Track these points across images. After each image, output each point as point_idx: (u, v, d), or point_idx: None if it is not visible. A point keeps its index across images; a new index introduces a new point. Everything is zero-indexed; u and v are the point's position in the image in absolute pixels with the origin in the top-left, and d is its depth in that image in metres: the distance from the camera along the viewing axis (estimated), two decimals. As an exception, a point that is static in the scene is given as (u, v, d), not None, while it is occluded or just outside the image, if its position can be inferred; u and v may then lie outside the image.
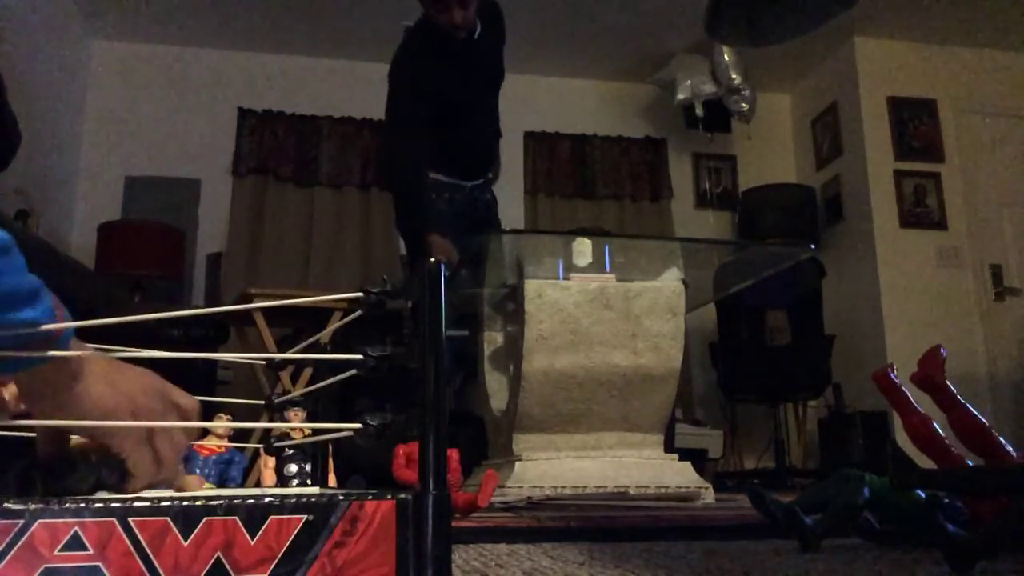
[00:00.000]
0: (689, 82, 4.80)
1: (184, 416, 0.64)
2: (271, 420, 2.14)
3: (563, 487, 2.10)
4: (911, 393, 1.07)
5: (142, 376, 0.63)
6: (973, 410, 1.01)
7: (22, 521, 0.43)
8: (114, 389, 0.59)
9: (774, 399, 4.43)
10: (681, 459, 2.31)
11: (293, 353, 0.96)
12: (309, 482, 1.62)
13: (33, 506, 0.44)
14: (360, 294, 0.58)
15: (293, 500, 0.49)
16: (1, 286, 0.48)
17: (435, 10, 2.69)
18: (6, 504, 0.44)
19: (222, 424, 1.64)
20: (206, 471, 1.61)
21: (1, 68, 2.02)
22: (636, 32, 4.77)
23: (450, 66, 2.79)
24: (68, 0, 4.32)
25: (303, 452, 1.64)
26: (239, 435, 2.30)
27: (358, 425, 0.57)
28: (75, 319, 0.54)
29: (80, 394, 0.57)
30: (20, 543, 0.43)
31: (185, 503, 0.47)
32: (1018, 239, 4.72)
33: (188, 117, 4.83)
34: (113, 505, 0.46)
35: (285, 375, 3.24)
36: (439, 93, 2.78)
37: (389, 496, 0.51)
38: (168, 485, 0.65)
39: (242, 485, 1.77)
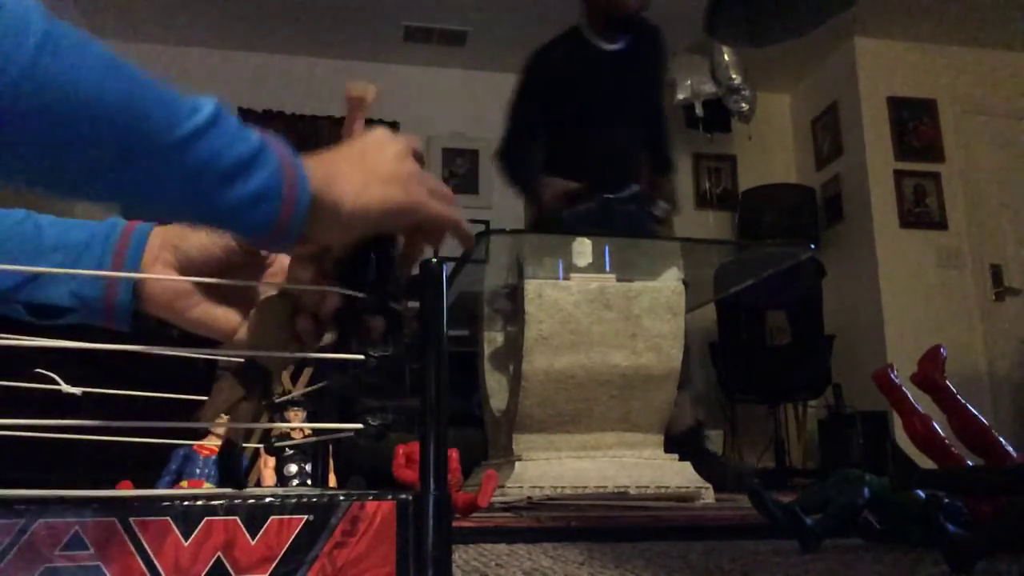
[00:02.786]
0: (689, 82, 4.80)
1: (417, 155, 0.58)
2: (271, 420, 2.14)
3: (563, 487, 2.10)
4: (911, 393, 1.07)
5: (381, 146, 0.56)
6: (973, 410, 1.01)
7: (23, 520, 0.44)
8: (355, 174, 0.53)
9: (774, 399, 4.43)
10: (681, 459, 2.31)
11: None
12: (309, 482, 1.62)
13: (34, 505, 0.44)
14: (360, 294, 0.58)
15: (294, 500, 0.49)
16: (220, 164, 0.45)
17: None
18: (6, 503, 0.44)
19: (222, 424, 1.64)
20: (206, 471, 1.61)
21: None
22: (636, 32, 4.77)
23: (588, 72, 2.81)
24: (68, 0, 4.32)
25: (303, 452, 1.64)
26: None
27: (359, 425, 0.57)
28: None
29: (343, 201, 0.52)
30: (21, 542, 0.43)
31: (186, 503, 0.47)
32: (1018, 239, 4.72)
33: (188, 117, 4.82)
34: (114, 505, 0.46)
35: (285, 375, 3.23)
36: (569, 97, 2.80)
37: (389, 496, 0.51)
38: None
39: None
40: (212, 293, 0.62)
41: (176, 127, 0.43)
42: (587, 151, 2.87)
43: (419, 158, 0.58)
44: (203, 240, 0.60)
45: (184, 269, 0.60)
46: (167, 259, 0.60)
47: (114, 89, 0.41)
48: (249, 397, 0.56)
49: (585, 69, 2.82)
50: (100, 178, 0.43)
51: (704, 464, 2.35)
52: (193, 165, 0.44)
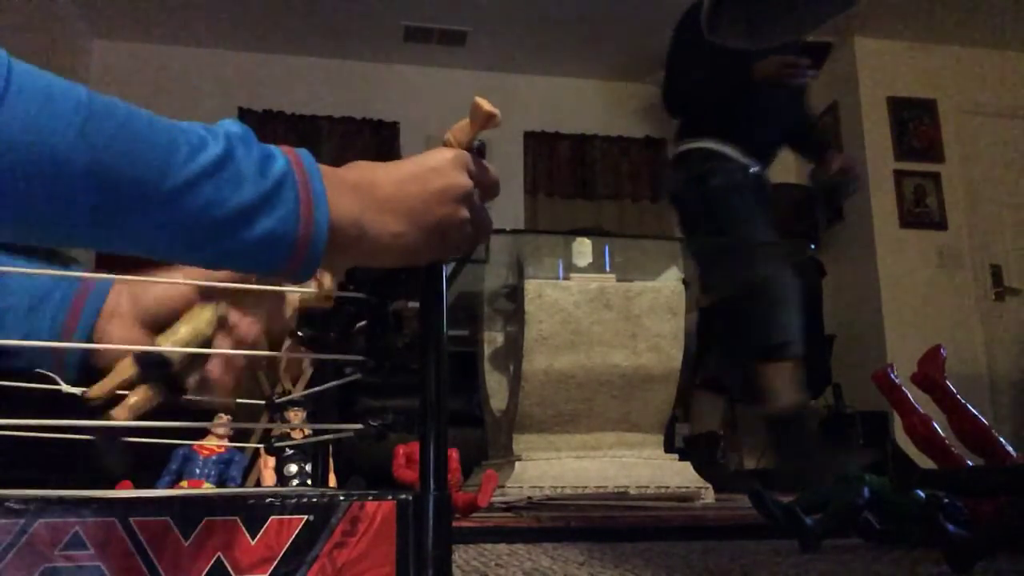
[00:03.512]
0: (689, 82, 4.79)
1: (489, 184, 0.56)
2: (271, 420, 2.14)
3: (563, 487, 2.10)
4: (911, 393, 1.07)
5: (428, 176, 0.52)
6: (973, 410, 1.01)
7: (23, 520, 0.43)
8: (399, 213, 0.50)
9: (774, 399, 4.42)
10: (681, 459, 2.31)
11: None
12: (309, 482, 1.62)
13: (34, 505, 0.44)
14: (361, 294, 0.58)
15: (294, 500, 0.49)
16: (218, 213, 0.43)
17: None
18: (6, 503, 0.44)
19: (222, 424, 1.64)
20: (206, 471, 1.62)
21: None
22: (636, 32, 4.77)
23: None
24: (68, 0, 4.32)
25: (303, 452, 1.64)
26: (239, 435, 2.30)
27: (359, 425, 0.57)
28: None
29: (373, 242, 0.50)
30: (21, 542, 0.43)
31: (186, 503, 0.47)
32: (1018, 239, 4.72)
33: (188, 117, 4.79)
34: (114, 505, 0.46)
35: (285, 375, 3.23)
36: (728, 52, 2.73)
37: (390, 496, 0.51)
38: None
39: (242, 485, 1.77)
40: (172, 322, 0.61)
41: (165, 178, 0.41)
42: (749, 110, 2.78)
43: (488, 186, 0.56)
44: (161, 292, 0.59)
45: (142, 320, 0.59)
46: (124, 311, 0.59)
47: (82, 146, 0.38)
48: (145, 381, 0.54)
49: None
50: (80, 234, 0.41)
51: (708, 472, 2.33)
52: (184, 216, 0.42)
